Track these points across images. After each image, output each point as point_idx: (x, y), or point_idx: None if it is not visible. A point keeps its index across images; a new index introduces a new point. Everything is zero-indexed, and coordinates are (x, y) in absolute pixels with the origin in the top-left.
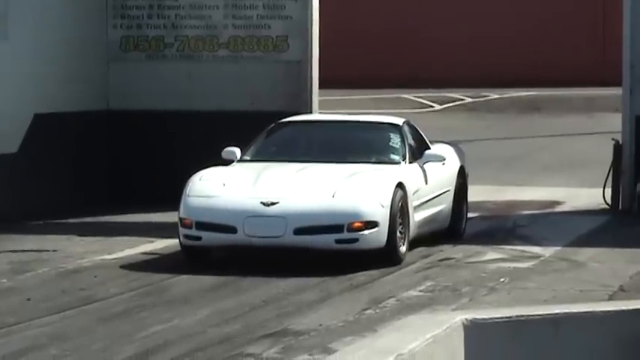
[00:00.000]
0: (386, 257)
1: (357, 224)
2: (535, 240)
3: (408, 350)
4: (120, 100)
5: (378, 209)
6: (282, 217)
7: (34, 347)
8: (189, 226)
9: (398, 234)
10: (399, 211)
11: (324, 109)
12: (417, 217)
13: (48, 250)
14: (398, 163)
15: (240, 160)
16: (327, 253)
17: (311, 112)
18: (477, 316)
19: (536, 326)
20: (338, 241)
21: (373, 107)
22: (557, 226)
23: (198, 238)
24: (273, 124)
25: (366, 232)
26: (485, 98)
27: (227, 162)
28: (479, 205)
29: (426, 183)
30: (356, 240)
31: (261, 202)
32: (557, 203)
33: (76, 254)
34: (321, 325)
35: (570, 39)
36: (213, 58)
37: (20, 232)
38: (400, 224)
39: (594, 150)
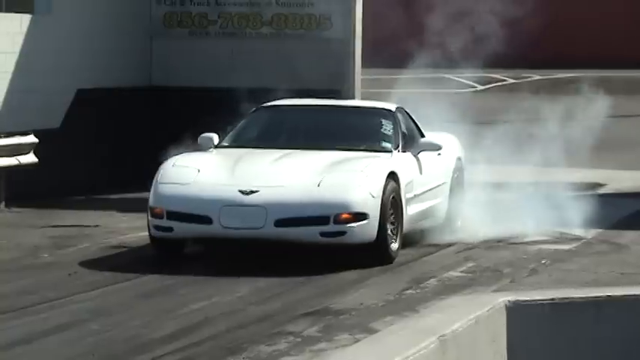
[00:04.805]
0: (376, 253)
1: (344, 216)
2: (577, 222)
3: (450, 331)
4: (162, 76)
5: (367, 200)
6: (262, 207)
7: (75, 322)
8: (159, 216)
9: (389, 228)
10: (391, 203)
11: (364, 88)
12: (410, 210)
13: (90, 226)
14: (390, 151)
15: (218, 147)
16: (311, 247)
17: (353, 90)
18: (520, 298)
19: (578, 309)
20: (323, 234)
21: (412, 87)
22: (600, 208)
23: (170, 229)
24: (255, 108)
25: (354, 224)
26: (528, 79)
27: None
28: (520, 187)
29: (421, 174)
30: (343, 233)
31: (240, 191)
32: (600, 185)
33: (117, 230)
34: (361, 304)
35: None
36: (257, 36)
37: (62, 207)
38: (392, 217)
39: (638, 132)
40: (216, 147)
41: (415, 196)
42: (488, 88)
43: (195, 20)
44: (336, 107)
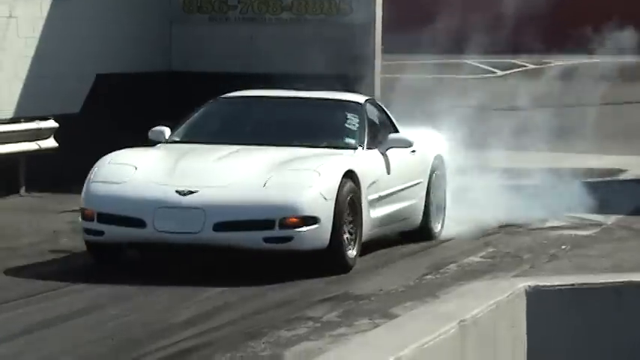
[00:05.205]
0: (329, 261)
1: (291, 220)
2: (597, 208)
3: (470, 316)
4: (182, 62)
5: (318, 202)
6: (200, 209)
7: (94, 307)
8: (90, 218)
9: (345, 234)
10: (349, 205)
11: (383, 73)
12: (373, 214)
13: None
14: (354, 148)
15: (168, 142)
16: (254, 254)
17: (373, 76)
18: (540, 284)
19: (598, 294)
20: (267, 240)
21: (433, 73)
22: (620, 194)
23: (100, 233)
24: (211, 100)
25: (303, 229)
26: (548, 65)
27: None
28: (539, 173)
29: (388, 173)
30: (290, 239)
31: (177, 191)
32: (620, 171)
33: None
34: (381, 289)
35: None
36: (277, 21)
37: (81, 192)
38: (350, 222)
39: None
40: (165, 142)
41: (381, 197)
42: (509, 74)
43: (215, 5)
44: (299, 99)
